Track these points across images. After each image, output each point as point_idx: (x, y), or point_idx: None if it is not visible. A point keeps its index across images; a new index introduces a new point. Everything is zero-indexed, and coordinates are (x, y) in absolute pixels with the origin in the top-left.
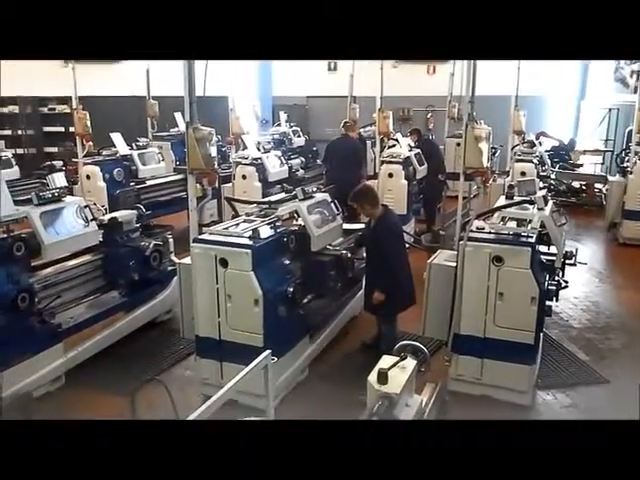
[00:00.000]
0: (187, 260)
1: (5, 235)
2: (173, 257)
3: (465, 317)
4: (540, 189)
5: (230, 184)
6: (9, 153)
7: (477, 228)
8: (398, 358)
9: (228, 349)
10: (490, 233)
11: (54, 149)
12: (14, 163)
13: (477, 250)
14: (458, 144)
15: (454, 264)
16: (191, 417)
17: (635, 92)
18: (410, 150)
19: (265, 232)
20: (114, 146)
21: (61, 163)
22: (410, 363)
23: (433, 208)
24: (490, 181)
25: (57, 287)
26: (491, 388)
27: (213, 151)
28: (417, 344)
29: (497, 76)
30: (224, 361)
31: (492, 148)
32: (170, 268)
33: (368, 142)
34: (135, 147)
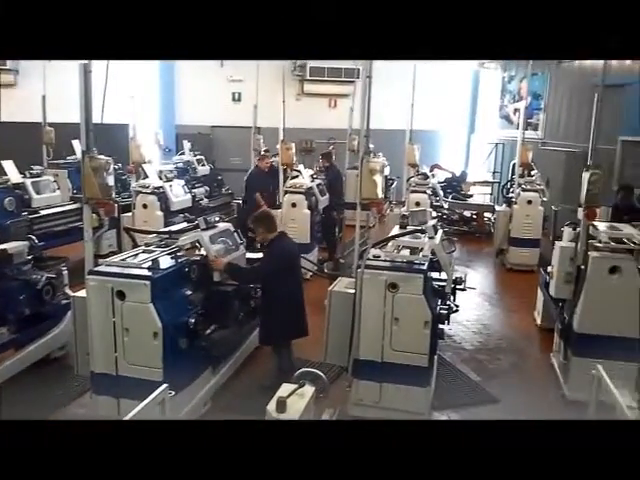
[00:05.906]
0: (82, 293)
1: None
2: (68, 290)
3: (364, 342)
4: (433, 218)
5: (130, 213)
6: None
7: (374, 256)
8: (297, 386)
9: (126, 385)
10: (386, 261)
11: None
12: None
13: (374, 277)
14: (358, 175)
15: (353, 291)
16: None
17: (517, 128)
18: (312, 180)
19: (165, 262)
20: (5, 174)
21: None
22: (308, 390)
23: (333, 237)
24: (387, 211)
25: None
26: (390, 411)
27: (110, 180)
28: (315, 371)
29: (394, 111)
30: (122, 397)
31: (389, 179)
32: (64, 302)
33: None
34: (28, 175)
